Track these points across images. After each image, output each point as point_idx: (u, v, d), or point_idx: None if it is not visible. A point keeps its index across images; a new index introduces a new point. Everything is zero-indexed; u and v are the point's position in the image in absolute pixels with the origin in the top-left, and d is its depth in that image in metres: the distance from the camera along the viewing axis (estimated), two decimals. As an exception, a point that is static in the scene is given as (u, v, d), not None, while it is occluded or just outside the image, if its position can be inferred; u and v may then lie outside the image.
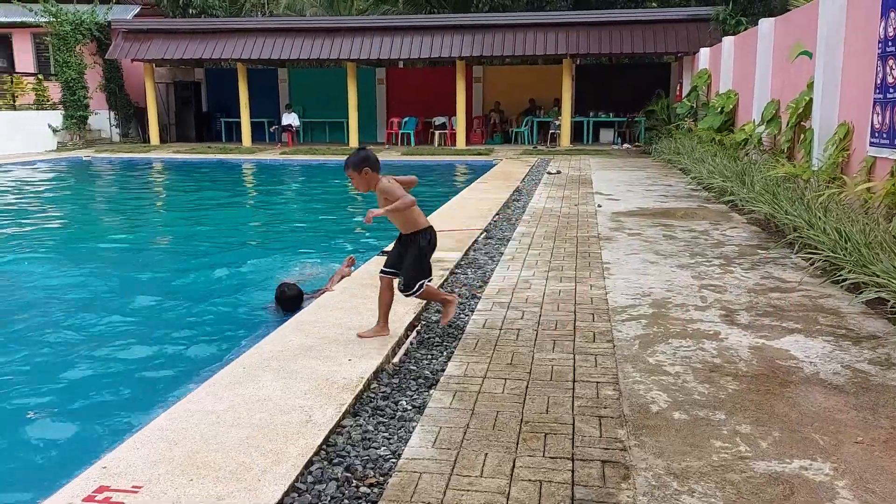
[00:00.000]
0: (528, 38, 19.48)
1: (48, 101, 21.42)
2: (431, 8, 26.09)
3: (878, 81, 6.70)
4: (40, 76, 21.81)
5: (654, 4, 25.08)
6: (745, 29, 15.46)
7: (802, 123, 9.12)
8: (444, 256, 6.02)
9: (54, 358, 4.50)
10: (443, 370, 3.62)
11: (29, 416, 3.74)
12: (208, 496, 2.42)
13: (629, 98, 21.17)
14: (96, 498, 2.41)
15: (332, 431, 2.94)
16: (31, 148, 20.03)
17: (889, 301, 4.37)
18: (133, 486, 2.48)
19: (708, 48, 16.90)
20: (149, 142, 22.27)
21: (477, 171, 14.22)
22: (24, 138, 19.91)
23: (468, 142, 21.18)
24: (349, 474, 2.65)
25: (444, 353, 3.88)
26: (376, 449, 2.84)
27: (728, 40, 14.35)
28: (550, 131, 21.00)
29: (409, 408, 3.22)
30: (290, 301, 5.29)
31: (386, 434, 2.96)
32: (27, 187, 14.43)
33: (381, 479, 2.62)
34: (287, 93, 24.45)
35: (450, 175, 16.11)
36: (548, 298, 4.85)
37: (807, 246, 5.96)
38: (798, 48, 9.51)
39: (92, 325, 5.25)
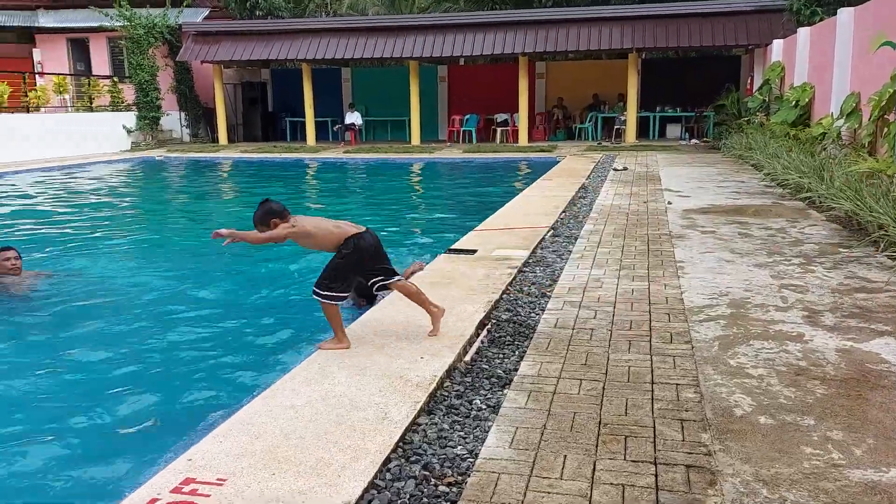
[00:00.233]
0: (593, 33, 19.20)
1: (123, 102, 22.19)
2: (493, 4, 25.98)
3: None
4: (115, 78, 22.61)
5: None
6: (821, 20, 14.89)
7: (886, 117, 8.71)
8: (512, 254, 5.98)
9: (137, 352, 4.63)
10: (516, 369, 3.59)
11: (116, 408, 3.86)
12: (290, 490, 2.45)
13: (697, 92, 20.65)
14: (183, 490, 2.46)
15: (407, 429, 2.94)
16: (106, 148, 20.79)
17: None
18: (218, 479, 2.53)
19: (781, 40, 16.34)
20: (217, 142, 22.85)
21: (540, 169, 14.10)
22: (101, 139, 20.68)
23: (531, 139, 21.03)
24: (427, 472, 2.64)
25: (516, 353, 3.84)
26: (453, 448, 2.82)
27: (803, 31, 13.84)
28: (615, 127, 20.67)
29: (484, 407, 3.19)
30: (367, 289, 5.31)
31: (461, 433, 2.95)
32: (107, 186, 15.00)
33: (460, 478, 2.60)
34: (350, 92, 24.74)
35: (512, 172, 16.02)
36: (620, 297, 4.76)
37: (893, 245, 5.69)
38: (880, 38, 9.09)
39: (171, 319, 5.40)
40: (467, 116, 22.07)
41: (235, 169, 18.13)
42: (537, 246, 6.41)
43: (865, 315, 4.26)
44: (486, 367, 3.66)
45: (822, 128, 11.10)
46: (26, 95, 19.78)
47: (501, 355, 3.82)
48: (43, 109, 20.46)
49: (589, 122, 21.60)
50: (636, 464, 2.61)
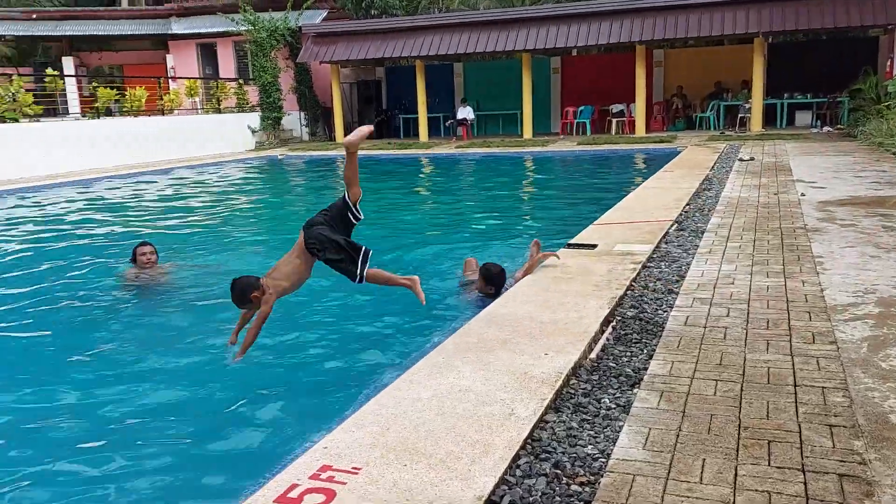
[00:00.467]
0: (715, 18, 18.37)
1: (247, 104, 23.28)
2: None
3: None
4: (240, 81, 23.75)
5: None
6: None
7: None
8: (634, 249, 5.81)
9: (270, 343, 4.82)
10: (645, 368, 3.47)
11: (252, 396, 4.04)
12: (423, 482, 2.47)
13: (828, 77, 19.37)
14: (321, 476, 2.54)
15: (535, 426, 2.91)
16: (233, 148, 21.88)
17: None
18: (353, 468, 2.59)
19: (927, 16, 15.05)
20: (334, 140, 23.56)
21: (659, 160, 13.64)
22: (228, 139, 21.78)
23: (648, 129, 20.40)
24: (558, 471, 2.60)
25: (645, 351, 3.72)
26: (583, 447, 2.77)
27: (954, 6, 12.68)
28: (739, 115, 19.71)
29: (613, 406, 3.11)
30: (496, 277, 5.33)
31: (591, 432, 2.88)
32: (238, 184, 15.85)
33: (592, 478, 2.54)
34: (462, 87, 24.86)
35: (630, 165, 15.61)
36: (755, 295, 4.52)
37: None
38: None
39: (301, 312, 5.59)
40: (581, 108, 21.69)
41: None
42: (661, 240, 6.20)
43: None
44: (613, 365, 3.57)
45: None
46: (161, 99, 21.12)
47: (629, 353, 3.71)
48: (176, 112, 21.77)
49: (711, 110, 20.71)
50: (782, 470, 2.47)
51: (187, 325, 5.46)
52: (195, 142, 20.24)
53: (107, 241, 9.08)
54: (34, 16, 25.47)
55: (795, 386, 3.14)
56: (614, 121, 21.23)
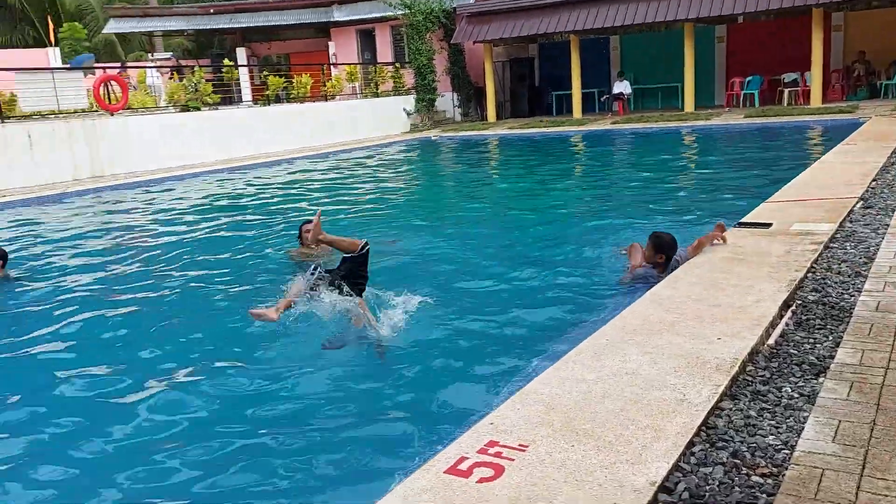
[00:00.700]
0: (907, -27, 16.52)
1: (403, 87, 23.86)
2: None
3: None
4: (397, 64, 24.37)
5: None
6: None
7: None
8: (814, 228, 5.39)
9: (440, 319, 4.91)
10: (831, 356, 3.22)
11: (419, 370, 4.17)
12: (592, 464, 2.44)
13: None
14: (489, 451, 2.57)
15: (710, 413, 2.78)
16: (389, 130, 22.52)
17: None
18: (520, 445, 2.60)
19: None
20: (486, 119, 23.65)
21: (839, 132, 12.52)
22: (385, 122, 22.46)
23: (825, 99, 18.77)
24: (737, 461, 2.47)
25: (830, 338, 3.45)
26: (763, 437, 2.62)
27: None
28: (933, 81, 17.70)
29: (796, 395, 2.91)
30: (667, 245, 5.18)
31: (772, 422, 2.72)
32: (404, 164, 16.49)
33: (775, 469, 2.40)
34: (618, 61, 24.06)
35: (805, 138, 14.47)
36: (960, 279, 4.06)
37: None
38: None
39: (467, 289, 5.66)
40: (749, 78, 20.32)
41: (505, 145, 18.62)
42: (845, 219, 5.70)
43: None
44: (795, 352, 3.34)
45: None
46: (324, 85, 22.12)
47: (812, 340, 3.46)
48: (337, 97, 22.73)
49: (898, 76, 18.73)
50: None
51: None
52: (357, 125, 21.06)
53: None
54: (211, 10, 27.48)
55: None
56: (786, 91, 19.72)
